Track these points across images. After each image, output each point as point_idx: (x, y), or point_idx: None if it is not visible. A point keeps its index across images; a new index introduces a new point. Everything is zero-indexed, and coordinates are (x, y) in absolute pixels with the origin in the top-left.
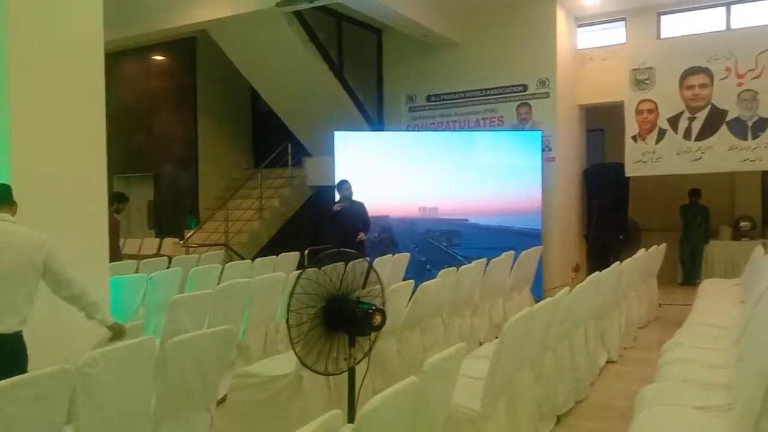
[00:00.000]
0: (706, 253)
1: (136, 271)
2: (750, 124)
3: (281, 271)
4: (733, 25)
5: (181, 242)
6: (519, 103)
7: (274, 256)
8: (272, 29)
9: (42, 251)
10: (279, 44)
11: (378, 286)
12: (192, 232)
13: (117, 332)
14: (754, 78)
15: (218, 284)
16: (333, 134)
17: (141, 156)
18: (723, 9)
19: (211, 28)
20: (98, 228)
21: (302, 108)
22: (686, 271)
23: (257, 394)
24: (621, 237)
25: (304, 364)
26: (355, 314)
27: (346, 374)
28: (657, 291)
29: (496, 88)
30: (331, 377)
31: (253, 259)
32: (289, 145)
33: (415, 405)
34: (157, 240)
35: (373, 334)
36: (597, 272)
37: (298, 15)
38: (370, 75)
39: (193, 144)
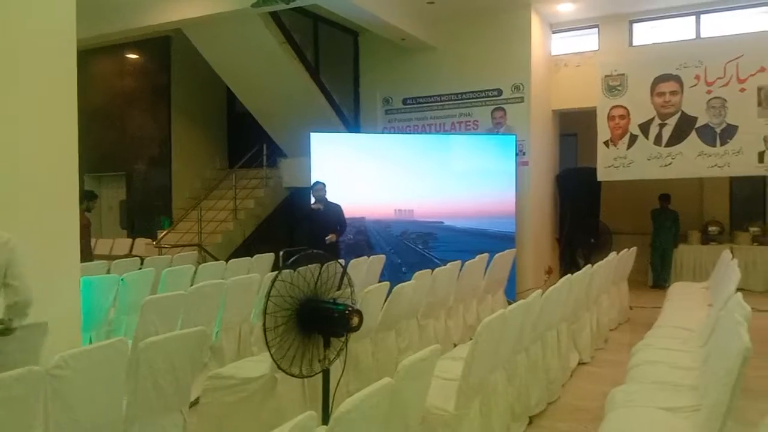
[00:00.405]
0: (675, 257)
1: (108, 272)
2: (718, 131)
3: (256, 272)
4: (702, 34)
5: (154, 243)
6: (494, 107)
7: (249, 258)
8: (248, 29)
9: (4, 250)
10: (255, 45)
11: (349, 289)
12: (165, 232)
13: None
14: (722, 86)
15: (191, 285)
16: (309, 135)
17: (113, 155)
18: (693, 18)
19: (187, 27)
20: (69, 227)
21: (278, 109)
22: (656, 274)
23: (231, 395)
24: (592, 240)
25: (280, 368)
26: (331, 315)
27: (320, 376)
28: (628, 294)
29: (472, 92)
30: (305, 381)
31: (227, 260)
32: (265, 146)
33: (390, 406)
34: (130, 240)
35: (345, 335)
36: (569, 275)
37: (275, 16)
38: (347, 77)
39: (166, 143)
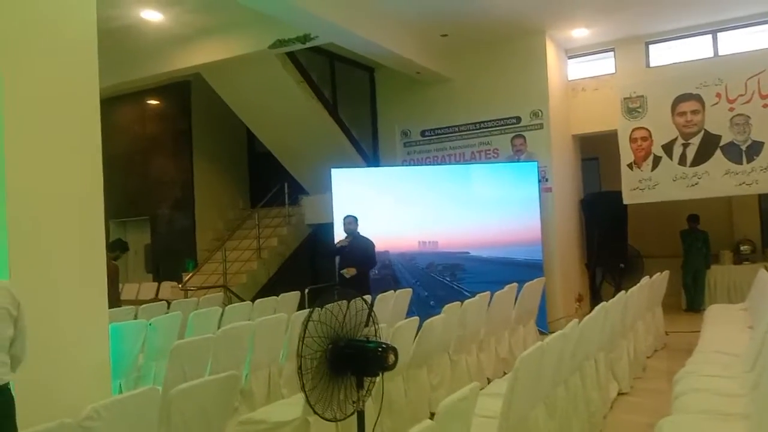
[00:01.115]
0: (708, 278)
1: (135, 317)
2: (744, 148)
3: (282, 311)
4: (720, 52)
5: (180, 286)
6: (513, 134)
7: (275, 297)
8: (265, 71)
9: (15, 303)
10: (273, 85)
11: (375, 326)
12: (190, 275)
13: None
14: (744, 103)
15: (219, 327)
16: (329, 172)
17: (137, 200)
18: (710, 36)
19: (205, 71)
20: (96, 274)
21: (298, 147)
22: (689, 297)
23: None
24: (621, 265)
25: (315, 412)
26: (365, 354)
27: (352, 419)
28: (662, 319)
29: (490, 120)
30: (339, 423)
31: (252, 300)
32: (286, 184)
33: None
34: (155, 284)
35: (381, 374)
36: (604, 302)
37: (291, 56)
38: (365, 112)
39: (189, 186)
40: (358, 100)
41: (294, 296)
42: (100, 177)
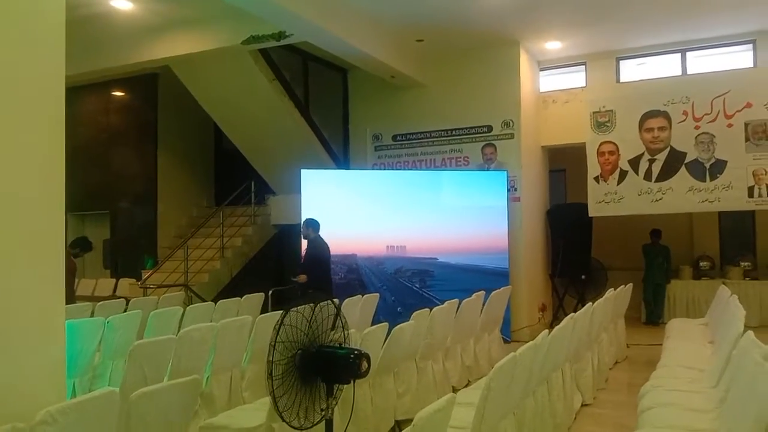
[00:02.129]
0: (668, 293)
1: (92, 315)
2: (708, 166)
3: (245, 313)
4: (689, 71)
5: (139, 283)
6: (484, 143)
7: (238, 298)
8: (238, 67)
9: None
10: (244, 82)
11: (345, 332)
12: (150, 272)
13: None
14: (710, 122)
15: (179, 328)
16: (298, 172)
17: (97, 193)
18: (678, 55)
19: (175, 64)
20: (54, 270)
21: (267, 146)
22: (649, 310)
23: None
24: (583, 277)
25: (284, 420)
26: (337, 361)
27: (319, 426)
28: (624, 331)
29: (462, 128)
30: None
31: (214, 301)
32: (253, 183)
33: None
34: (113, 281)
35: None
36: (572, 314)
37: (264, 53)
38: (336, 114)
39: (152, 181)
40: (330, 102)
41: (258, 298)
42: (61, 169)
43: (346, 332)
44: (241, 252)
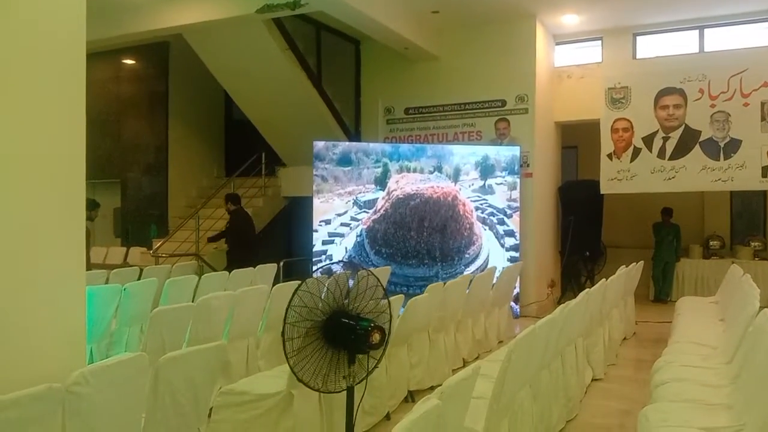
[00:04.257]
0: (677, 271)
1: (106, 282)
2: (722, 145)
3: (259, 283)
4: (706, 48)
5: (150, 251)
6: (498, 118)
7: (251, 268)
8: (251, 36)
9: None
10: (257, 51)
11: (384, 301)
12: (162, 241)
13: None
14: (726, 100)
15: (194, 296)
16: (309, 144)
17: (108, 162)
18: (696, 32)
19: (187, 33)
20: (75, 235)
21: (278, 117)
22: (658, 288)
23: (244, 413)
24: (587, 253)
25: (299, 380)
26: (353, 331)
27: (336, 394)
28: (634, 308)
29: (475, 102)
30: (322, 397)
31: (225, 270)
32: (263, 155)
33: (435, 429)
34: (124, 249)
35: (376, 354)
36: (587, 289)
37: (278, 22)
38: (348, 85)
39: (163, 150)
40: (343, 73)
41: (271, 268)
42: (82, 136)
43: (388, 302)
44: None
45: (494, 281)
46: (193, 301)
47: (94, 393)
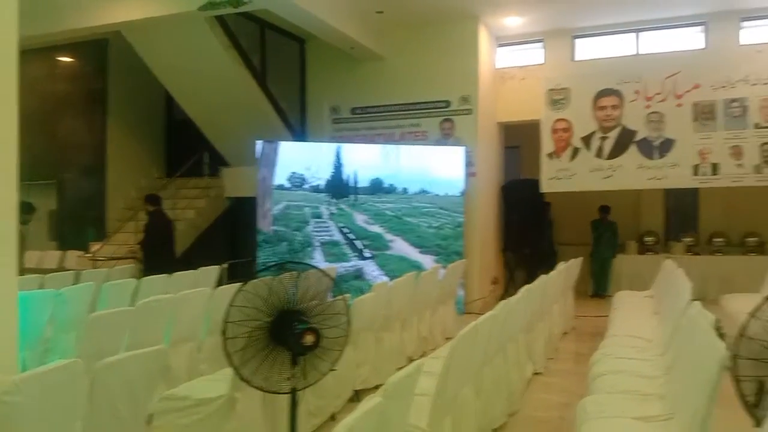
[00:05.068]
0: (614, 267)
1: (41, 287)
2: (657, 144)
3: (201, 286)
4: (641, 51)
5: (88, 255)
6: (442, 118)
7: (193, 270)
8: (192, 34)
9: None
10: (199, 49)
11: (341, 302)
12: (100, 245)
13: None
14: (660, 101)
15: (133, 300)
16: (253, 144)
17: (43, 162)
18: (633, 35)
19: (126, 30)
20: (6, 239)
21: (221, 116)
22: (596, 283)
23: (186, 417)
24: (527, 251)
25: (242, 378)
26: (288, 333)
27: (281, 396)
28: (573, 303)
29: (421, 103)
30: (266, 400)
31: (170, 273)
32: (206, 155)
33: (378, 427)
34: (60, 253)
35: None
36: (527, 285)
37: (221, 20)
38: (293, 84)
39: (100, 151)
40: (288, 72)
41: (214, 270)
42: (15, 135)
43: (344, 302)
44: (194, 225)
45: (439, 279)
46: (132, 305)
47: (26, 402)
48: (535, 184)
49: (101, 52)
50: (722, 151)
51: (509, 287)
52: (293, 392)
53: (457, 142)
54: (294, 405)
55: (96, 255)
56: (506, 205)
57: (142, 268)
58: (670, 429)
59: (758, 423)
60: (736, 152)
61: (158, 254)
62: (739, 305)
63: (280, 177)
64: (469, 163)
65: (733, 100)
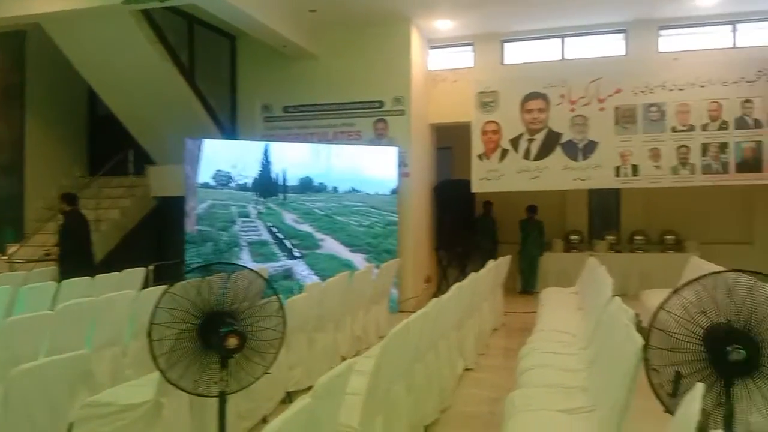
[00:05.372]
0: (541, 264)
1: None
2: (581, 146)
3: (126, 288)
4: (567, 56)
5: (4, 258)
6: (376, 118)
7: (117, 273)
8: (116, 27)
9: None
10: (124, 44)
11: (275, 303)
12: (18, 246)
13: None
14: (584, 105)
15: (53, 304)
16: (181, 141)
17: None
18: (558, 41)
19: (46, 22)
20: None
21: (147, 112)
22: (525, 280)
23: (109, 425)
24: (459, 249)
25: (169, 381)
26: (215, 335)
27: (209, 401)
28: (503, 300)
29: (354, 102)
30: (194, 405)
31: (92, 276)
32: (131, 153)
33: (308, 428)
34: None
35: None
36: (459, 283)
37: (146, 14)
38: (223, 81)
39: (18, 148)
40: (218, 69)
41: (139, 272)
42: None
43: (279, 303)
44: (119, 225)
45: (373, 278)
46: (52, 309)
47: None
48: (466, 184)
49: (19, 45)
50: (642, 153)
51: (442, 285)
52: (222, 396)
53: (390, 143)
54: (223, 409)
55: (13, 257)
56: (439, 204)
57: (59, 271)
58: (592, 420)
59: (668, 410)
60: (655, 154)
61: (75, 256)
62: (657, 300)
63: (205, 175)
64: (402, 164)
65: (652, 105)
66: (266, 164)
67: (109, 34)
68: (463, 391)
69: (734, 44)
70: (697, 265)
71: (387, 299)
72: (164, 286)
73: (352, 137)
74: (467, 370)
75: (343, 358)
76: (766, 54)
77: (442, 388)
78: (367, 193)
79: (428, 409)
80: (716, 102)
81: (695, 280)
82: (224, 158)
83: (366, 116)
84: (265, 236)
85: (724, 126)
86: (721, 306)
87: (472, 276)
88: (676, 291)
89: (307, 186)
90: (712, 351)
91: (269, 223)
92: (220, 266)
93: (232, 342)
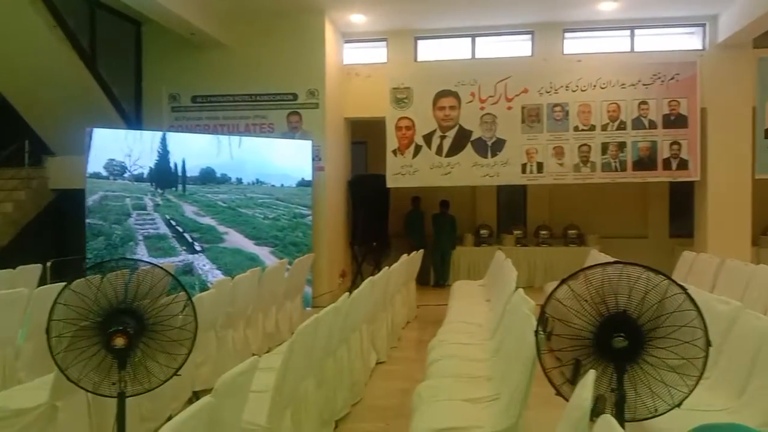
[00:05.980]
0: (453, 258)
1: None
2: (490, 144)
3: (20, 286)
4: (477, 55)
5: None
6: (289, 111)
7: (11, 270)
8: (11, 9)
9: None
10: (19, 27)
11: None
12: None
13: None
14: (493, 104)
15: None
16: (82, 131)
17: None
18: (469, 40)
19: None
20: None
21: (45, 100)
22: (437, 273)
23: (0, 430)
24: (374, 243)
25: (69, 379)
26: (104, 334)
27: (109, 402)
28: (416, 293)
29: (267, 94)
30: (92, 407)
31: None
32: (27, 142)
33: (209, 428)
34: None
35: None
36: (371, 277)
37: None
38: (128, 69)
39: None
40: (122, 56)
41: (34, 269)
42: None
43: (188, 297)
44: (12, 219)
45: (285, 274)
46: None
47: None
48: (381, 178)
49: None
50: (546, 151)
51: (357, 280)
52: (120, 397)
53: (304, 136)
54: (122, 411)
55: None
56: (353, 199)
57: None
58: (494, 408)
59: (560, 393)
60: (558, 152)
61: None
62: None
63: (95, 165)
64: (316, 157)
65: (556, 105)
66: (164, 154)
67: (2, 17)
68: (375, 384)
69: (632, 49)
70: (595, 258)
71: (301, 295)
72: (62, 284)
73: (265, 129)
74: (380, 363)
75: (254, 355)
76: (660, 59)
77: (353, 382)
78: (273, 185)
79: (340, 403)
80: (615, 103)
81: (582, 270)
82: (118, 148)
83: (279, 108)
84: (164, 230)
85: (622, 126)
86: (607, 296)
87: (385, 270)
88: (563, 281)
89: (208, 177)
90: (600, 339)
91: (168, 216)
92: (123, 262)
93: (120, 342)
